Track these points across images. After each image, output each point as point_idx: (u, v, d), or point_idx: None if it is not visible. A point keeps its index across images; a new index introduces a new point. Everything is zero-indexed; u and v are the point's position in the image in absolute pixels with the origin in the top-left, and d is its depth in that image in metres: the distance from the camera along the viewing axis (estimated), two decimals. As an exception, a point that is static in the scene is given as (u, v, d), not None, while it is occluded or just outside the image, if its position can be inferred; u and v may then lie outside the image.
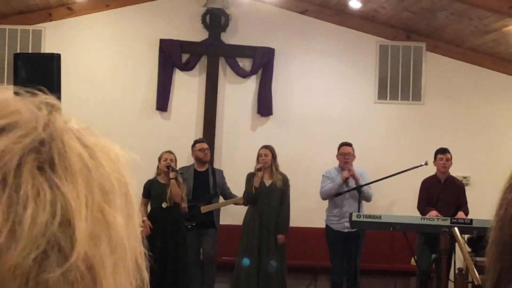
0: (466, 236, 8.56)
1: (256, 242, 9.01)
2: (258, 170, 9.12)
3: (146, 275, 0.73)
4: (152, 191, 9.09)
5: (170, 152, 9.24)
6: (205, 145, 9.61)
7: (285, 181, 9.27)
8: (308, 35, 10.94)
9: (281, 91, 10.86)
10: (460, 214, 8.79)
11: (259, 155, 9.26)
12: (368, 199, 9.17)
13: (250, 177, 9.28)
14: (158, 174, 9.18)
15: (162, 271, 8.75)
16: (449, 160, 9.13)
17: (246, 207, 9.40)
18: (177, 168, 9.16)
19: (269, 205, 9.11)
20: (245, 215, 9.31)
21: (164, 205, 9.02)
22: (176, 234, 8.95)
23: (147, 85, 10.70)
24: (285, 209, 9.22)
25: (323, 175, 9.29)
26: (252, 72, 10.84)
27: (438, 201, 9.06)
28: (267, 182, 9.19)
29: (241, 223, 9.42)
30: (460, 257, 8.57)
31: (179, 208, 9.03)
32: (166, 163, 9.11)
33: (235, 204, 9.60)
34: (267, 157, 9.22)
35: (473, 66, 11.05)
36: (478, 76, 11.03)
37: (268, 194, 9.12)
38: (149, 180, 9.15)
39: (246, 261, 8.95)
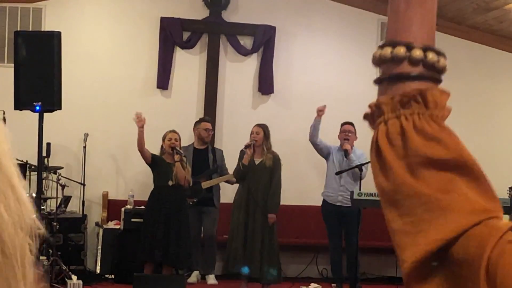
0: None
1: (243, 219, 8.92)
2: (246, 147, 9.03)
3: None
4: (158, 168, 9.05)
5: (174, 131, 9.13)
6: (209, 125, 9.63)
7: (276, 160, 9.11)
8: (309, 13, 10.90)
9: (282, 69, 10.83)
10: None
11: (251, 133, 9.19)
12: (361, 178, 9.22)
13: (242, 154, 9.20)
14: (162, 153, 9.13)
15: (165, 247, 8.78)
16: None
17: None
18: (181, 150, 9.11)
19: (258, 182, 8.94)
20: (235, 193, 9.24)
21: (170, 183, 9.00)
22: (179, 212, 8.95)
23: (147, 63, 10.67)
24: (275, 188, 9.02)
25: (328, 145, 9.39)
26: (253, 50, 10.80)
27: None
28: (257, 161, 9.06)
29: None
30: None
31: (183, 188, 9.03)
32: (171, 143, 9.02)
33: (228, 182, 9.60)
34: (259, 135, 9.10)
35: (475, 44, 11.01)
36: (479, 54, 11.00)
37: (257, 171, 9.01)
38: (156, 154, 9.12)
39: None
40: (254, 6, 10.83)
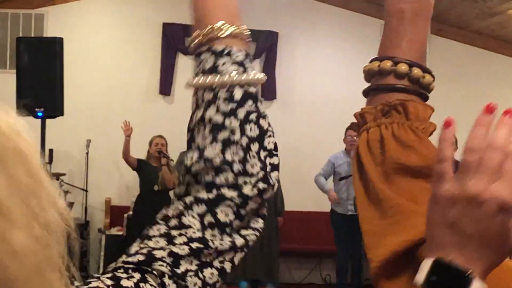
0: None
1: None
2: None
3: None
4: (143, 172, 9.11)
5: (160, 136, 9.24)
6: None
7: None
8: (312, 18, 10.89)
9: (284, 75, 10.82)
10: None
11: None
12: None
13: None
14: (148, 158, 9.22)
15: None
16: None
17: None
18: (168, 154, 9.16)
19: None
20: None
21: (155, 188, 9.04)
22: None
23: (150, 69, 10.67)
24: (279, 191, 9.18)
25: (328, 159, 9.25)
26: (256, 56, 10.78)
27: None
28: None
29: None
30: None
31: (169, 193, 9.08)
32: (157, 148, 9.12)
33: None
34: None
35: (478, 49, 10.99)
36: (482, 59, 10.98)
37: None
38: (142, 159, 9.18)
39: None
40: (256, 12, 10.82)
